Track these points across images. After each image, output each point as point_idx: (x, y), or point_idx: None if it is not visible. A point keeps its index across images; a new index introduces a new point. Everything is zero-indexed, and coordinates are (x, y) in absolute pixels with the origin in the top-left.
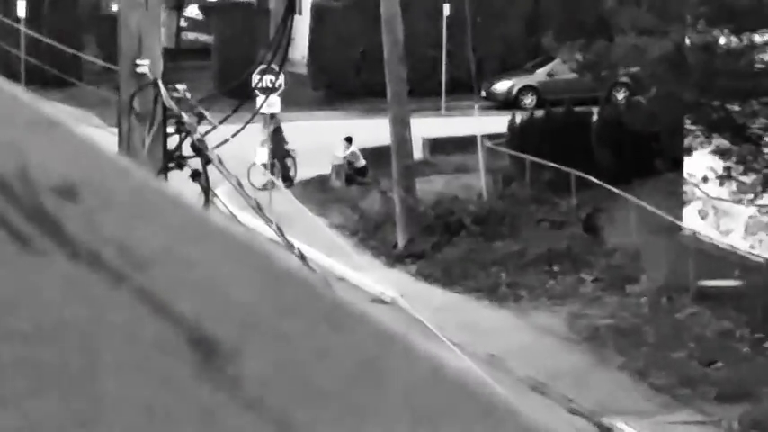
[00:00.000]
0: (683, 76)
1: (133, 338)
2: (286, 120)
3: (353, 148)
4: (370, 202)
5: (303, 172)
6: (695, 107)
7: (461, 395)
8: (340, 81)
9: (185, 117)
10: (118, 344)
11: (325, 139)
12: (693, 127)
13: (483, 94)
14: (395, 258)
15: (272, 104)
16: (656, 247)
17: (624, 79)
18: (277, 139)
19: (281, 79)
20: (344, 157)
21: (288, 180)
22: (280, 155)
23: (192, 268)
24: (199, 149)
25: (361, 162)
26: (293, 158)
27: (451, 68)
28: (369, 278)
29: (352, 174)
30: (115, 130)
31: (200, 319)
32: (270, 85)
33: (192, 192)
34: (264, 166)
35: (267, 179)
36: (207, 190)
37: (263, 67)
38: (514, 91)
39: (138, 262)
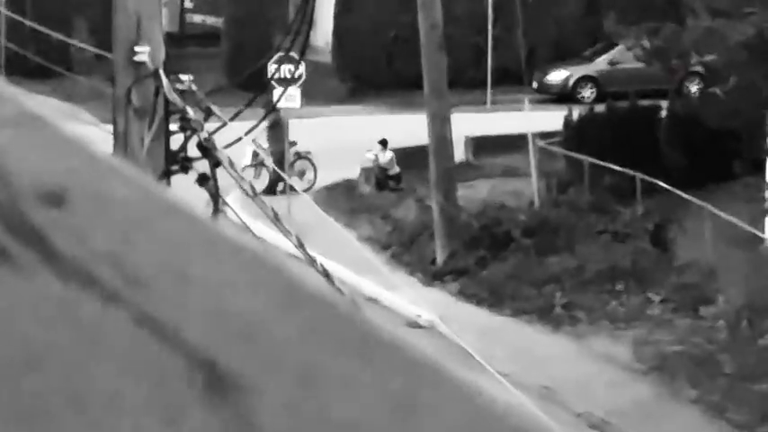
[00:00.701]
0: (767, 64)
1: (130, 368)
2: (307, 116)
3: (390, 153)
4: (405, 211)
5: (327, 176)
6: None
7: None
8: (369, 71)
9: (191, 112)
10: (112, 373)
11: (351, 137)
12: None
13: (535, 85)
14: (433, 276)
15: (291, 98)
16: (735, 263)
17: (698, 69)
18: (276, 136)
19: (302, 69)
20: (380, 164)
21: (272, 191)
22: (277, 156)
23: (198, 287)
24: (206, 150)
25: (396, 169)
26: (309, 161)
27: (498, 56)
28: (403, 299)
29: (383, 178)
30: (109, 127)
31: (208, 346)
32: (288, 76)
33: (198, 199)
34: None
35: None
36: (216, 197)
37: (280, 54)
38: (571, 82)
39: (136, 280)
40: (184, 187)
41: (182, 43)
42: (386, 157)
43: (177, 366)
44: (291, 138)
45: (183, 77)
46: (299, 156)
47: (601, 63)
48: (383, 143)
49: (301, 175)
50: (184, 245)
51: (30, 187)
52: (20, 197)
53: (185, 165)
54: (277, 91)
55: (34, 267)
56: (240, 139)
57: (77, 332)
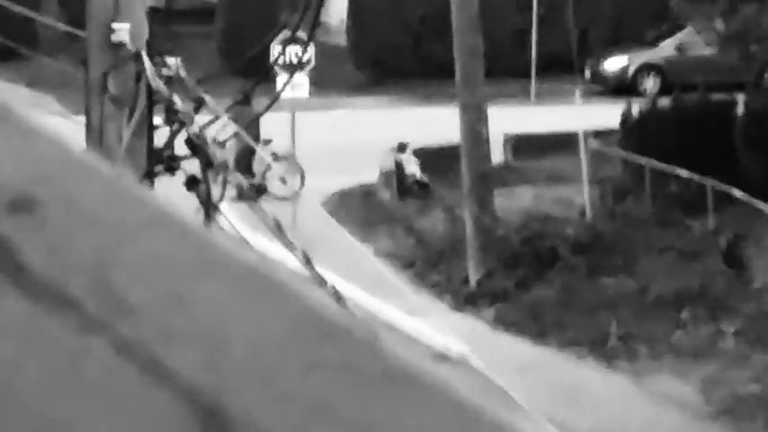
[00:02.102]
0: None
1: (110, 407)
2: (319, 108)
3: (412, 157)
4: (432, 223)
5: (340, 180)
6: None
7: None
8: (391, 56)
9: (179, 103)
10: (94, 413)
11: (369, 134)
12: None
13: (587, 75)
14: (465, 299)
15: (298, 86)
16: None
17: None
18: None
19: (311, 53)
20: (407, 173)
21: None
22: (240, 155)
23: (192, 311)
24: (197, 147)
25: (422, 177)
26: (293, 161)
27: (544, 40)
28: (429, 326)
29: (407, 184)
30: (82, 119)
31: (205, 380)
32: (295, 61)
33: (187, 204)
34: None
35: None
36: (208, 202)
37: (285, 34)
38: (630, 71)
39: (119, 302)
40: (171, 190)
41: (169, 20)
42: (411, 162)
43: (168, 405)
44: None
45: (170, 61)
46: (276, 157)
47: (666, 49)
48: (401, 148)
49: (283, 181)
50: (175, 261)
51: None
52: None
53: (171, 165)
54: (281, 78)
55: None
56: (236, 135)
57: (47, 362)
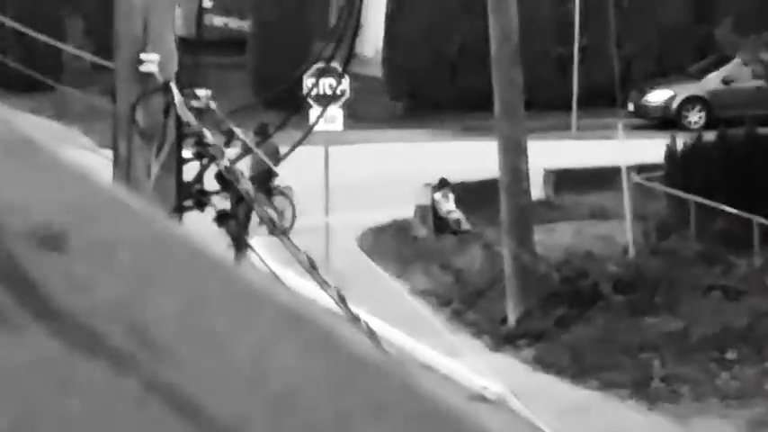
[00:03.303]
0: None
1: None
2: (354, 141)
3: (452, 196)
4: (470, 260)
5: (374, 216)
6: None
7: None
8: (428, 88)
9: (209, 136)
10: None
11: (405, 167)
12: None
13: (631, 107)
14: (504, 339)
15: (332, 119)
16: None
17: None
18: (260, 160)
19: (345, 84)
20: (441, 215)
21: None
22: (258, 182)
23: (225, 350)
24: (227, 182)
25: (456, 215)
26: (287, 197)
27: (586, 71)
28: (467, 367)
29: (444, 220)
30: (109, 152)
31: (239, 420)
32: (329, 93)
33: (217, 241)
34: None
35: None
36: (239, 239)
37: (319, 66)
38: (675, 104)
39: (150, 340)
40: (200, 226)
41: (199, 51)
42: (450, 201)
43: None
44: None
45: (200, 93)
46: (277, 191)
47: (712, 81)
48: (443, 184)
49: (280, 213)
50: (207, 298)
51: (22, 227)
52: (9, 239)
53: (201, 200)
54: (315, 111)
55: (26, 323)
56: (276, 174)
57: (76, 401)
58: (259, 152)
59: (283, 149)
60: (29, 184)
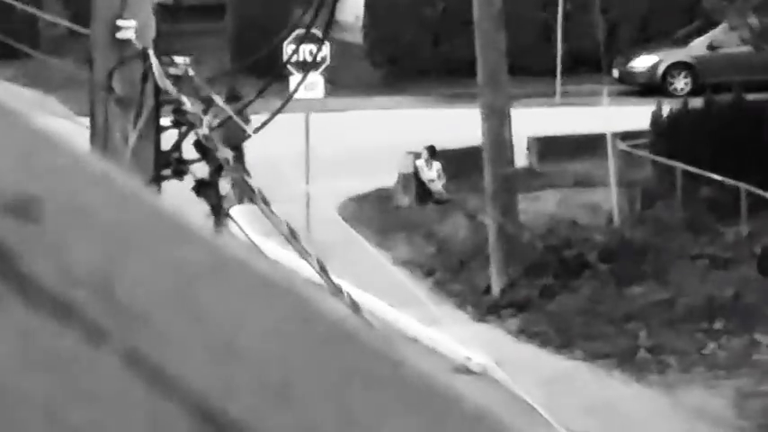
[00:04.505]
0: None
1: (120, 418)
2: (334, 109)
3: (437, 164)
4: (453, 229)
5: (356, 184)
6: None
7: None
8: (409, 54)
9: (187, 103)
10: (99, 426)
11: (386, 135)
12: None
13: (615, 74)
14: (488, 309)
15: (313, 86)
16: None
17: None
18: (231, 131)
19: (326, 51)
20: (424, 179)
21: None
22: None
23: (203, 321)
24: (206, 150)
25: (442, 182)
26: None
27: (571, 37)
28: (450, 337)
29: (426, 189)
30: (86, 120)
31: (217, 393)
32: (309, 60)
33: (196, 210)
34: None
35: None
36: (218, 208)
37: (299, 32)
38: (660, 70)
39: (127, 312)
40: (179, 195)
41: (177, 17)
42: (432, 170)
43: (178, 419)
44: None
45: (179, 60)
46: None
47: (697, 47)
48: (431, 151)
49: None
50: (186, 269)
51: None
52: None
53: (180, 168)
54: (295, 78)
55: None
56: (248, 137)
57: (52, 376)
58: (238, 119)
59: (262, 117)
60: (2, 151)
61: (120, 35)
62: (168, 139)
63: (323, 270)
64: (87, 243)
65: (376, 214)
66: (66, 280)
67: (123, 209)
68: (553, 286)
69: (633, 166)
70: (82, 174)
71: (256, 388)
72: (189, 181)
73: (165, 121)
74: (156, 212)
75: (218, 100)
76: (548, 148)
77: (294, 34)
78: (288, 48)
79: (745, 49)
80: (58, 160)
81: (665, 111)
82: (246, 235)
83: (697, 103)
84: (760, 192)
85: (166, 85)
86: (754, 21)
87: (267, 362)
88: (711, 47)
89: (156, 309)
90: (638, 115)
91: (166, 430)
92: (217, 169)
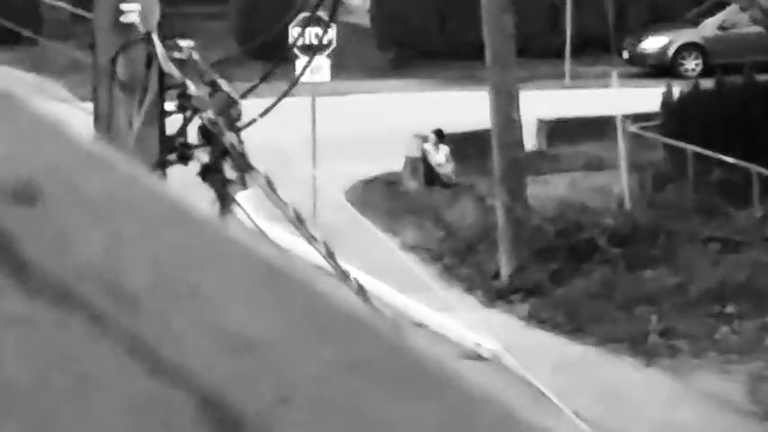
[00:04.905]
0: None
1: (121, 407)
2: (341, 92)
3: (445, 148)
4: (461, 213)
5: (363, 168)
6: None
7: None
8: (416, 37)
9: (192, 88)
10: (98, 416)
11: (394, 119)
12: None
13: (626, 55)
14: (496, 294)
15: (319, 70)
16: None
17: None
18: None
19: (332, 34)
20: (432, 164)
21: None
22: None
23: (205, 308)
24: (211, 135)
25: (450, 166)
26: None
27: (580, 18)
28: (459, 323)
29: (434, 173)
30: (89, 105)
31: (218, 380)
32: (315, 43)
33: (202, 196)
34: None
35: None
36: (223, 194)
37: (305, 15)
38: (671, 51)
39: (129, 299)
40: (184, 181)
41: (181, 0)
42: (440, 153)
43: (179, 405)
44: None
45: (183, 44)
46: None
47: (708, 27)
48: (439, 135)
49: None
50: (188, 255)
51: None
52: None
53: (185, 153)
54: (301, 61)
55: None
56: (253, 121)
57: (52, 365)
58: (240, 102)
59: (268, 102)
60: (3, 136)
61: (123, 19)
62: (173, 125)
63: (330, 255)
64: (88, 229)
65: (383, 198)
66: (66, 267)
67: (125, 195)
68: (563, 270)
69: (643, 149)
70: (83, 160)
71: (260, 376)
72: (194, 166)
73: (170, 105)
74: (159, 198)
75: (224, 84)
76: (557, 130)
77: (300, 17)
78: (293, 31)
79: (757, 29)
80: (58, 146)
81: (676, 92)
82: (253, 221)
83: (708, 84)
84: None
85: (171, 69)
86: (764, 1)
87: (271, 350)
88: (722, 27)
89: (159, 296)
90: (648, 97)
91: (169, 418)
92: (222, 154)
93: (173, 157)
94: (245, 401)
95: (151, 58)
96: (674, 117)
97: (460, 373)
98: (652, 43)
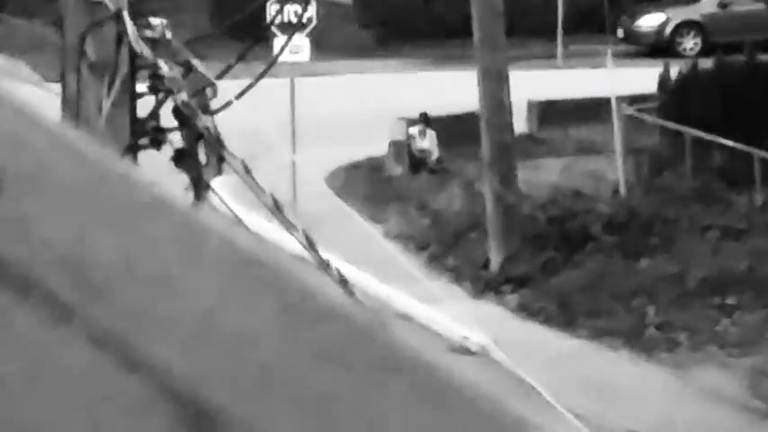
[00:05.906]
0: None
1: (85, 402)
2: (321, 73)
3: (432, 132)
4: (448, 200)
5: (345, 152)
6: None
7: None
8: (400, 15)
9: (165, 68)
10: (63, 409)
11: (377, 101)
12: None
13: (621, 33)
14: (485, 285)
15: (298, 49)
16: None
17: None
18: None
19: (312, 11)
20: (418, 149)
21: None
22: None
23: (177, 299)
24: (185, 118)
25: (434, 152)
26: None
27: None
28: (446, 315)
29: (420, 158)
30: (57, 86)
31: (191, 374)
32: (294, 21)
33: (175, 182)
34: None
35: None
36: (198, 180)
37: None
38: (669, 29)
39: (96, 289)
40: (157, 166)
41: None
42: (426, 138)
43: (149, 400)
44: None
45: (155, 21)
46: None
47: (708, 4)
48: (425, 119)
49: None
50: (159, 244)
51: None
52: None
53: (157, 137)
54: (279, 40)
55: None
56: (229, 103)
57: (16, 356)
58: (215, 83)
59: (245, 83)
60: None
61: None
62: (145, 107)
63: (310, 244)
64: (54, 217)
65: (366, 185)
66: (31, 256)
67: (93, 180)
68: (555, 260)
69: (640, 132)
70: (50, 145)
71: (233, 370)
72: (167, 151)
73: (142, 87)
74: (129, 184)
75: (198, 64)
76: (549, 112)
77: None
78: (271, 8)
79: (758, 6)
80: (24, 129)
81: (674, 72)
82: (229, 208)
83: (707, 64)
84: None
85: (142, 48)
86: None
87: (245, 343)
88: (722, 4)
89: (128, 287)
90: (644, 77)
91: (138, 412)
92: (197, 138)
93: (144, 141)
94: (221, 394)
95: (121, 36)
96: (672, 98)
97: (450, 368)
98: (649, 21)
